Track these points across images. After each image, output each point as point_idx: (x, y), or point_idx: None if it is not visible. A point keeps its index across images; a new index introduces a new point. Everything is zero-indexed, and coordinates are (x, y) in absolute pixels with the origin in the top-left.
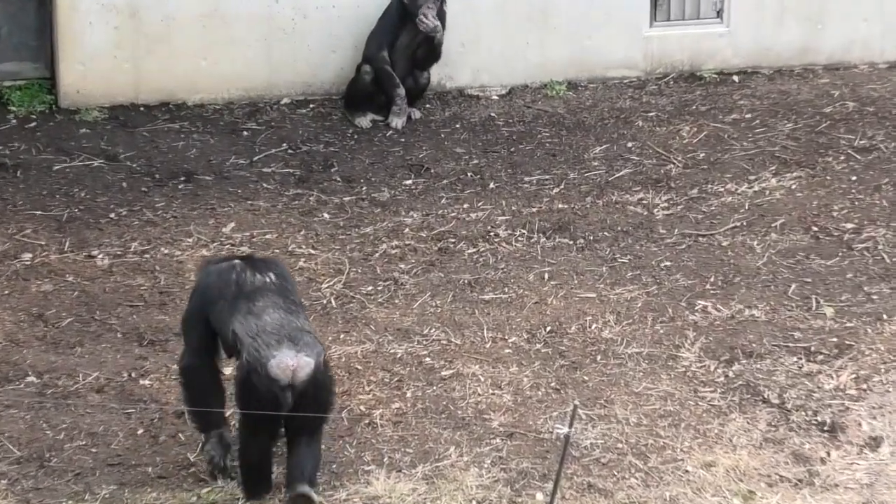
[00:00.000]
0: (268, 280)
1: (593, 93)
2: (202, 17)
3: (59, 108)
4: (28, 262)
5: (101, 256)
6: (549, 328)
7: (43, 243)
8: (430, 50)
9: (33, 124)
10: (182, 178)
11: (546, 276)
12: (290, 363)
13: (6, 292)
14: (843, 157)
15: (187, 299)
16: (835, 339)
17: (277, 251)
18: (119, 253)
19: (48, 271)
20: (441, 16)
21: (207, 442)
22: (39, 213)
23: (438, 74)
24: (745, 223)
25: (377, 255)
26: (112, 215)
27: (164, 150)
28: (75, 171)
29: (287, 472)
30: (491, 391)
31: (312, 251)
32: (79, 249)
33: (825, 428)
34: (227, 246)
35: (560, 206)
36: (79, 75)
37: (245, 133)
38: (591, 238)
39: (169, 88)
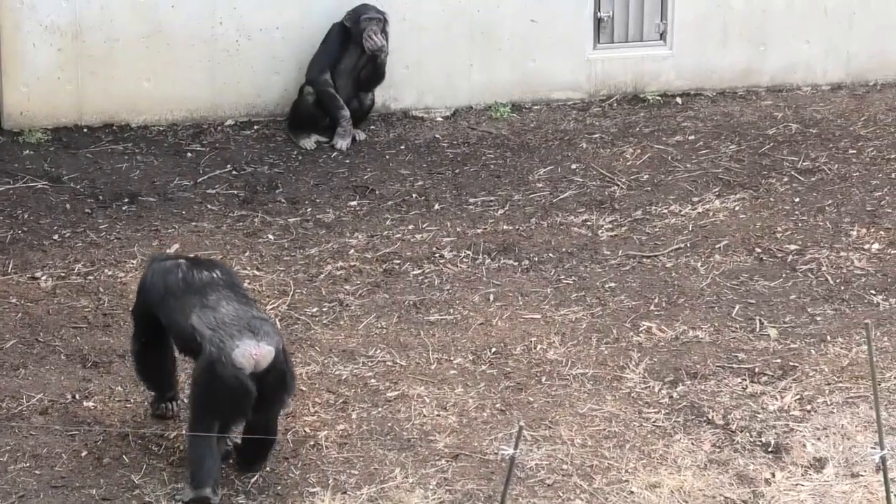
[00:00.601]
0: (214, 276)
1: (538, 114)
2: (145, 38)
3: (2, 129)
4: None
5: (44, 278)
6: (494, 349)
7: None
8: (373, 71)
9: None
10: (126, 200)
11: (491, 297)
12: (254, 352)
13: None
14: (786, 179)
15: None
16: (779, 361)
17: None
18: (63, 275)
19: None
20: (385, 37)
21: (158, 403)
22: None
23: (383, 96)
24: (688, 244)
25: (322, 276)
26: (55, 237)
27: (107, 171)
28: (18, 193)
29: (242, 446)
30: (436, 412)
31: (257, 272)
32: (22, 271)
33: (769, 449)
34: None
35: (505, 227)
36: (22, 97)
37: (189, 154)
38: (536, 259)
39: (112, 110)
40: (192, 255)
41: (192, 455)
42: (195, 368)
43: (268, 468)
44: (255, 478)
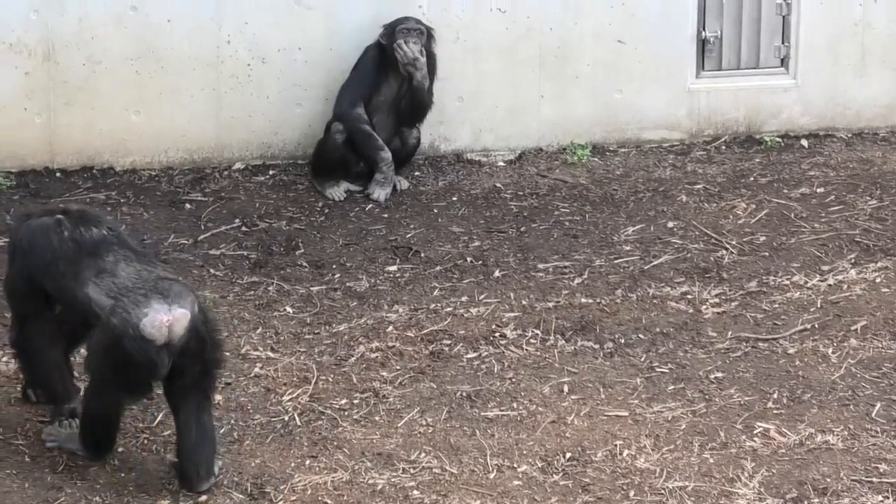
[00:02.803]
0: (105, 232)
1: (625, 159)
2: (134, 59)
3: None
4: None
5: (4, 359)
6: (568, 455)
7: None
8: (413, 97)
9: None
10: None
11: (565, 388)
12: (165, 318)
13: None
14: None
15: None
16: None
17: (227, 354)
18: None
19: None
20: (430, 57)
21: (55, 420)
22: None
23: (431, 134)
24: (816, 325)
25: (353, 359)
26: None
27: None
28: None
29: (180, 463)
30: None
31: (271, 354)
32: None
33: None
34: None
35: (583, 300)
36: None
37: (188, 206)
38: (623, 341)
39: (92, 149)
40: (63, 208)
41: (94, 423)
42: (94, 342)
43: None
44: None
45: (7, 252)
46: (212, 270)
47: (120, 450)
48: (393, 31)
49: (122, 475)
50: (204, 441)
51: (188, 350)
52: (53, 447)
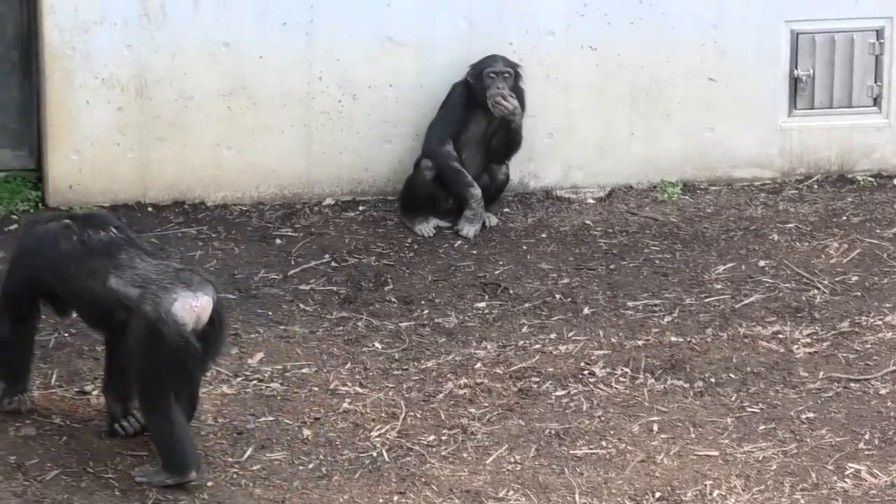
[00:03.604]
0: (112, 234)
1: (715, 197)
2: (226, 96)
3: (48, 206)
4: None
5: (95, 393)
6: (658, 494)
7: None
8: (507, 137)
9: (14, 226)
10: None
11: (655, 427)
12: (194, 304)
13: None
14: None
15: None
16: None
17: (315, 389)
18: None
19: (30, 411)
20: (518, 94)
21: (8, 395)
22: None
23: (520, 171)
24: None
25: (441, 396)
26: None
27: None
28: None
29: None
30: None
31: (360, 389)
32: (68, 384)
33: None
34: (252, 381)
35: (673, 338)
36: (72, 167)
37: (278, 241)
38: (713, 380)
39: (184, 184)
40: (71, 214)
41: (166, 439)
42: (130, 339)
43: None
44: None
45: (12, 255)
46: (301, 305)
47: (209, 484)
48: (481, 73)
49: None
50: (193, 409)
51: (206, 335)
52: (143, 483)
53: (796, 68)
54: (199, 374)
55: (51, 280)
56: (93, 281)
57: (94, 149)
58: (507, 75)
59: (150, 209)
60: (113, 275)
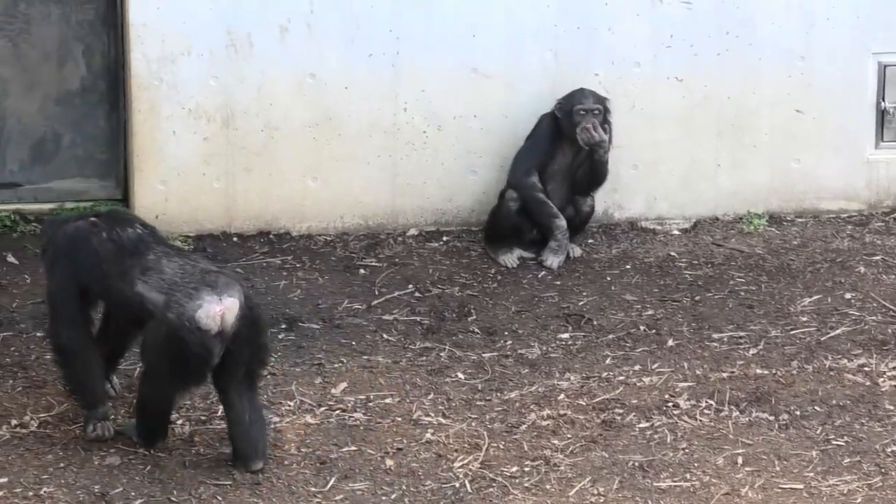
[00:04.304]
0: (139, 231)
1: (802, 229)
2: (312, 126)
3: None
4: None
5: (180, 422)
6: None
7: (110, 405)
8: (592, 169)
9: None
10: (283, 326)
11: (739, 460)
12: (218, 309)
13: (62, 465)
14: None
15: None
16: None
17: (398, 419)
18: (203, 418)
19: (114, 440)
20: (606, 128)
21: (91, 421)
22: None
23: (605, 202)
24: None
25: (524, 427)
26: None
27: (260, 290)
28: None
29: (235, 445)
30: None
31: (443, 420)
32: None
33: None
34: (336, 411)
35: (758, 371)
36: (159, 197)
37: (362, 271)
38: (798, 413)
39: (269, 214)
40: (94, 212)
41: (146, 417)
42: (150, 338)
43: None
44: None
45: (47, 261)
46: (385, 335)
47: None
48: (570, 110)
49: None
50: (257, 421)
51: (240, 336)
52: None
53: (883, 100)
54: (247, 378)
55: (86, 279)
56: (123, 283)
57: (180, 179)
58: (596, 112)
59: (235, 239)
60: (139, 280)
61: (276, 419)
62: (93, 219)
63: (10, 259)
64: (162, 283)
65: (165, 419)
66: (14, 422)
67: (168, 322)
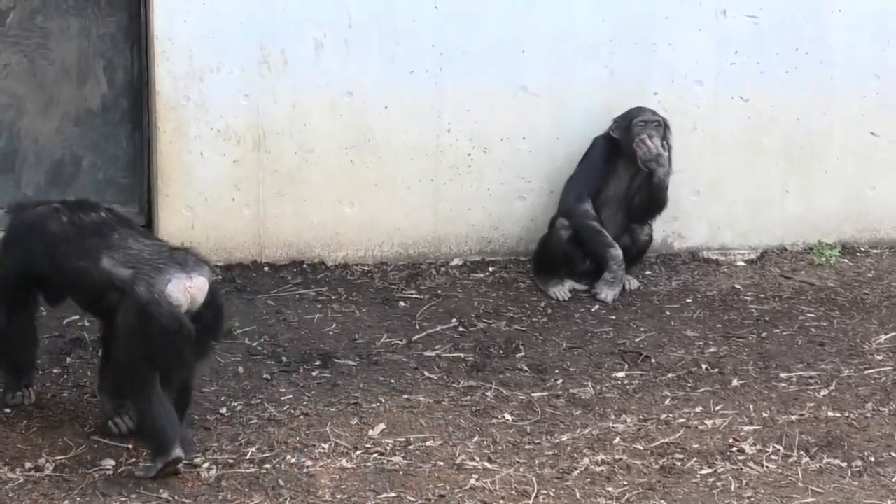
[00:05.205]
0: (103, 215)
1: (877, 260)
2: (349, 149)
3: None
4: (110, 471)
5: (206, 465)
6: None
7: (129, 447)
8: (651, 194)
9: None
10: (317, 363)
11: None
12: (188, 284)
13: None
14: None
15: None
16: None
17: (441, 463)
18: (231, 461)
19: (135, 484)
20: (665, 146)
21: (9, 392)
22: None
23: (664, 231)
24: None
25: (576, 472)
26: (223, 410)
27: (293, 324)
28: None
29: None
30: None
31: (489, 465)
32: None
33: None
34: (373, 455)
35: (830, 413)
36: (184, 223)
37: (402, 304)
38: (873, 459)
39: (303, 242)
40: (60, 200)
41: (147, 419)
42: (121, 318)
43: None
44: None
45: (1, 245)
46: (426, 373)
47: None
48: (629, 124)
49: None
50: (183, 399)
51: (204, 320)
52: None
53: None
54: (193, 360)
55: (42, 263)
56: (85, 261)
57: (207, 204)
58: (656, 124)
59: (266, 269)
60: (105, 255)
61: (310, 463)
62: (56, 204)
63: None
64: (129, 259)
65: (166, 412)
66: (28, 465)
67: (137, 296)
